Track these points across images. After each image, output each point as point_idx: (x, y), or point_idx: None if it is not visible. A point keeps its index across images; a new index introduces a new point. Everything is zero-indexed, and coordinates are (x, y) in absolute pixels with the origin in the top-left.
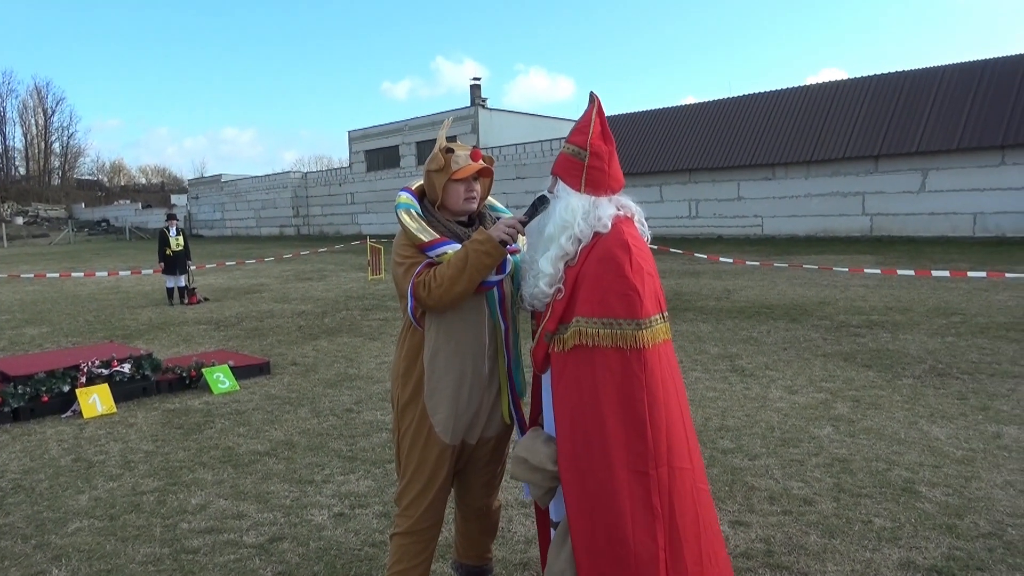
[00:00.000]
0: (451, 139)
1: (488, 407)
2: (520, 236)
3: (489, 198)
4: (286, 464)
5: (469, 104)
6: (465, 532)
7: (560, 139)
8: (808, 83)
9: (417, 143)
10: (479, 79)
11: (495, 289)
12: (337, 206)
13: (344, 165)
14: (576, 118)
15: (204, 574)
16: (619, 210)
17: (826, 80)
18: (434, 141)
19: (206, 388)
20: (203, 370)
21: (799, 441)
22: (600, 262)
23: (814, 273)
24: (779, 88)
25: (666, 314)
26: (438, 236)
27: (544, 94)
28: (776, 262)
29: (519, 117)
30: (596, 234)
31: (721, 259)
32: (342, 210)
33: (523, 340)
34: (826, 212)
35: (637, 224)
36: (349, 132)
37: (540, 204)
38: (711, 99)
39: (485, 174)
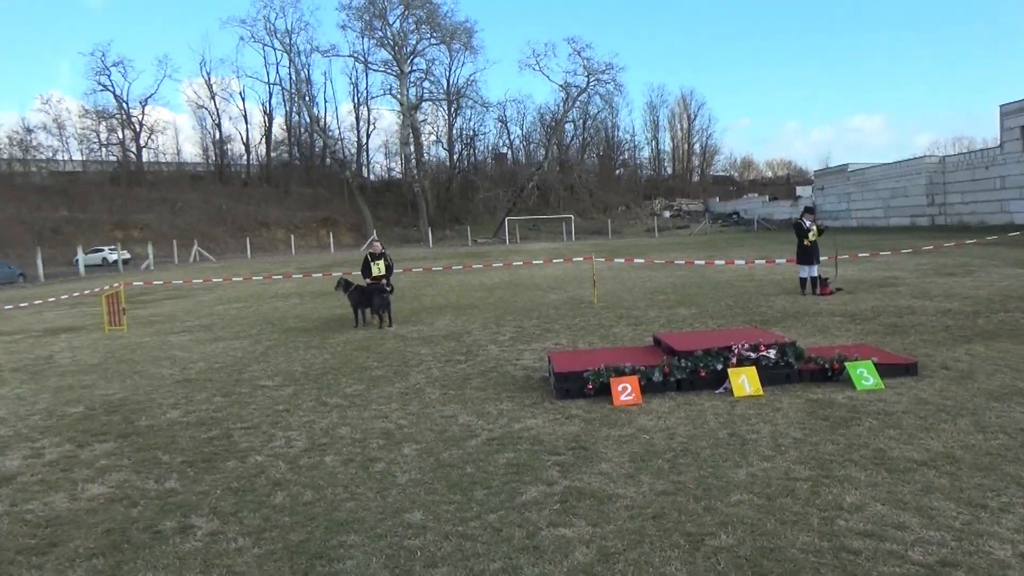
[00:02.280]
0: None
1: None
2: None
3: None
4: (949, 480)
5: None
6: None
7: None
8: None
9: None
10: None
11: None
12: (982, 192)
13: (992, 145)
14: None
15: None
16: None
17: None
18: None
19: (848, 383)
20: (846, 364)
21: None
22: None
23: None
24: None
25: None
26: None
27: None
28: None
29: None
30: None
31: None
32: (988, 196)
33: None
34: None
35: None
36: (1001, 106)
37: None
38: None
39: None
